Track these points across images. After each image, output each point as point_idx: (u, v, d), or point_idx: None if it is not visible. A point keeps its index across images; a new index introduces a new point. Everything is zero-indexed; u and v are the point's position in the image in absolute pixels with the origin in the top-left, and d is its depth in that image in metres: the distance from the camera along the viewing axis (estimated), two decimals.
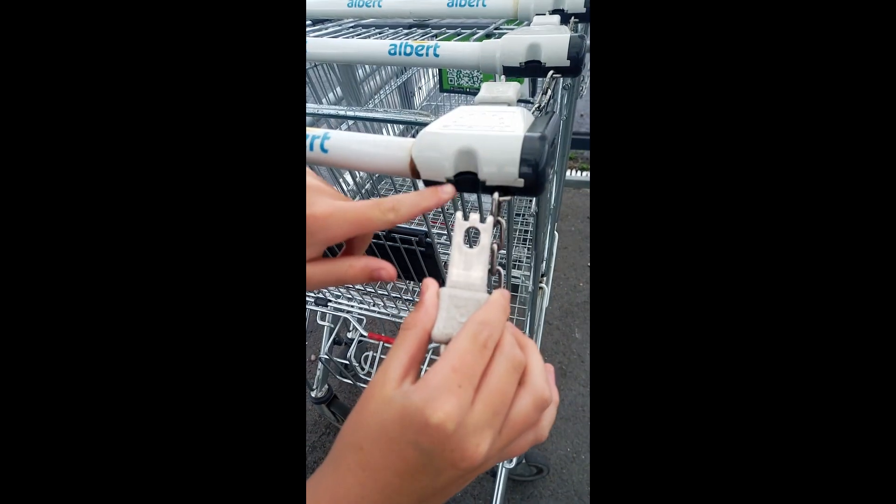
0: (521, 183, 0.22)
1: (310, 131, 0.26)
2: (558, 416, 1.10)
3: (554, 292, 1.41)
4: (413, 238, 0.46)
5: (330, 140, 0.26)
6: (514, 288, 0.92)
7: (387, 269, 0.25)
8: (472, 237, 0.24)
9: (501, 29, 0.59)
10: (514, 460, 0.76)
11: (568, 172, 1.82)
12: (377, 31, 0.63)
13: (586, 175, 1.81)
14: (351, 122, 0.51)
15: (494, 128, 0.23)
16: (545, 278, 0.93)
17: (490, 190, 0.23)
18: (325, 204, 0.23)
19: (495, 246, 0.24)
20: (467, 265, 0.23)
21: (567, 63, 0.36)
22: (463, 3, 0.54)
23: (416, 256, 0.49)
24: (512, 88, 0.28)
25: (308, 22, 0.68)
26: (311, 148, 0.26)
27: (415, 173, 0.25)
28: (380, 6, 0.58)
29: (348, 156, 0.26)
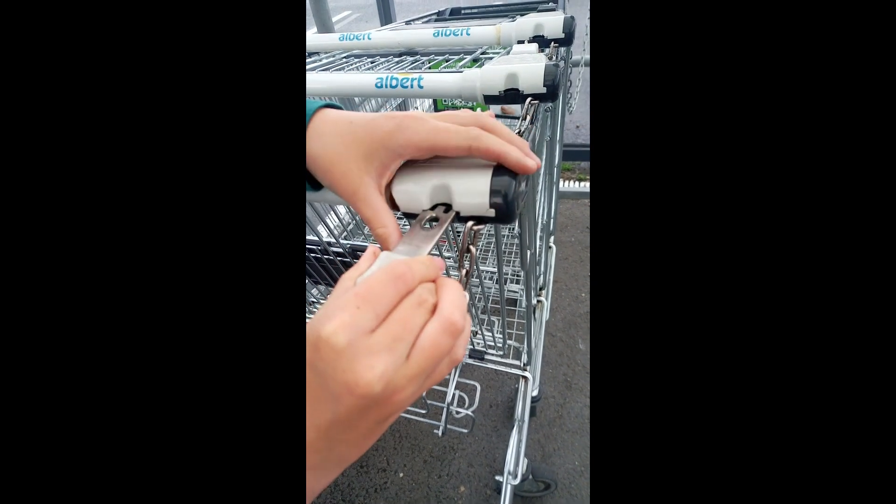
0: (492, 213, 0.24)
1: None
2: (565, 430, 1.09)
3: (556, 304, 1.41)
4: None
5: None
6: (511, 302, 0.93)
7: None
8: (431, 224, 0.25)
9: (488, 53, 0.62)
10: (520, 476, 0.76)
11: (566, 183, 1.83)
12: (369, 59, 0.66)
13: (584, 186, 1.83)
14: None
15: (468, 161, 0.25)
16: (544, 291, 0.93)
17: (464, 220, 0.25)
18: (416, 113, 0.25)
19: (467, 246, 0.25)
20: (416, 242, 0.23)
21: (543, 90, 0.38)
22: (448, 33, 0.56)
23: None
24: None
25: None
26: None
27: (394, 206, 0.26)
28: (369, 38, 0.61)
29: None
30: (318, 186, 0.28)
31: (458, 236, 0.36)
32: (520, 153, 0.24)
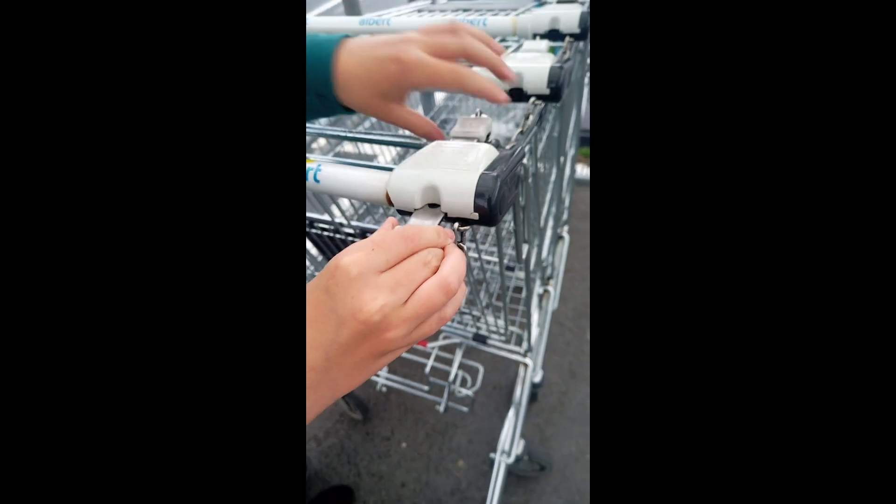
0: (476, 216, 0.26)
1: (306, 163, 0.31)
2: (565, 417, 1.12)
3: (568, 293, 1.42)
4: None
5: (322, 172, 0.30)
6: (519, 289, 0.95)
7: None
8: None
9: (507, 41, 0.62)
10: (514, 455, 0.80)
11: (585, 170, 1.80)
12: None
13: None
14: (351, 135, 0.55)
15: (458, 165, 0.27)
16: (552, 281, 0.95)
17: (451, 220, 0.27)
18: (414, 53, 0.30)
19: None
20: (425, 218, 0.27)
21: (547, 91, 0.38)
22: (465, 22, 0.57)
23: None
24: (483, 126, 0.31)
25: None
26: (306, 178, 0.30)
27: (389, 203, 0.28)
28: (389, 24, 0.62)
29: (336, 185, 0.30)
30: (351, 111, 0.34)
31: None
32: (499, 64, 0.34)
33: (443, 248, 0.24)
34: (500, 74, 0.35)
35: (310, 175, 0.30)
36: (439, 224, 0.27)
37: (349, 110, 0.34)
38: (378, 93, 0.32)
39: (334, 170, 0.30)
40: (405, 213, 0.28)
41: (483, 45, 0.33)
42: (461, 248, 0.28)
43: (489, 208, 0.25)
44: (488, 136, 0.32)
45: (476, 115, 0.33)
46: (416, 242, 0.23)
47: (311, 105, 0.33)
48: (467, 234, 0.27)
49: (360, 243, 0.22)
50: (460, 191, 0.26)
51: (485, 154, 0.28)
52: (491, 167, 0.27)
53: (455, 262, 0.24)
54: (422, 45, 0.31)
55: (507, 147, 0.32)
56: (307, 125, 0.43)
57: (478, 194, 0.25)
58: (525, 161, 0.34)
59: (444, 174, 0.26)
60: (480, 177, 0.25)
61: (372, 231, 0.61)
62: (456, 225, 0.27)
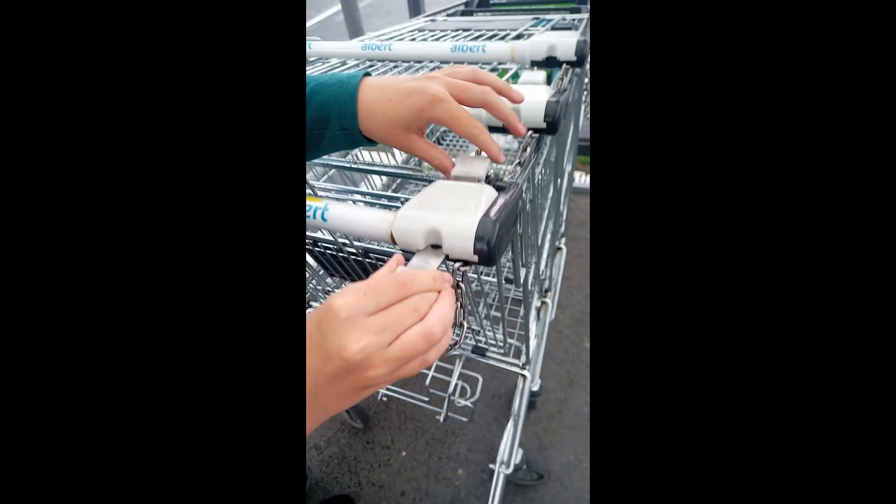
0: (475, 258, 0.27)
1: (312, 202, 0.32)
2: (563, 425, 1.13)
3: (566, 300, 1.43)
4: None
5: (329, 212, 0.32)
6: (517, 302, 0.96)
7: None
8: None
9: (506, 63, 0.64)
10: (512, 466, 0.81)
11: (584, 178, 1.82)
12: (392, 64, 0.68)
13: None
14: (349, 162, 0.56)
15: (459, 208, 0.28)
16: (549, 293, 0.96)
17: (452, 261, 0.28)
18: (438, 89, 0.32)
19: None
20: (427, 259, 0.29)
21: (544, 125, 0.40)
22: (465, 49, 0.59)
23: None
24: (483, 166, 0.33)
25: (317, 60, 0.74)
26: (314, 217, 0.32)
27: (394, 242, 0.30)
28: (390, 49, 0.63)
29: (343, 224, 0.32)
30: (373, 142, 0.36)
31: None
32: (514, 121, 0.35)
33: (439, 292, 0.26)
34: (514, 130, 0.37)
35: (318, 214, 0.32)
36: (441, 264, 0.28)
37: (371, 142, 0.36)
38: (400, 123, 0.33)
39: (341, 210, 0.32)
40: (408, 253, 0.30)
41: (502, 101, 0.35)
42: (458, 288, 0.29)
43: (488, 251, 0.27)
44: (488, 175, 0.33)
45: (476, 152, 0.34)
46: (408, 289, 0.24)
47: (335, 138, 0.35)
48: (468, 275, 0.29)
49: (355, 286, 0.24)
50: (461, 234, 0.27)
51: (485, 197, 0.29)
52: (489, 210, 0.28)
53: (442, 312, 0.25)
54: (445, 84, 0.33)
55: (505, 179, 0.34)
56: (325, 157, 0.44)
57: (477, 238, 0.27)
58: (522, 194, 0.36)
59: (446, 218, 0.28)
60: (480, 221, 0.27)
61: (373, 251, 0.62)
62: (457, 265, 0.28)
